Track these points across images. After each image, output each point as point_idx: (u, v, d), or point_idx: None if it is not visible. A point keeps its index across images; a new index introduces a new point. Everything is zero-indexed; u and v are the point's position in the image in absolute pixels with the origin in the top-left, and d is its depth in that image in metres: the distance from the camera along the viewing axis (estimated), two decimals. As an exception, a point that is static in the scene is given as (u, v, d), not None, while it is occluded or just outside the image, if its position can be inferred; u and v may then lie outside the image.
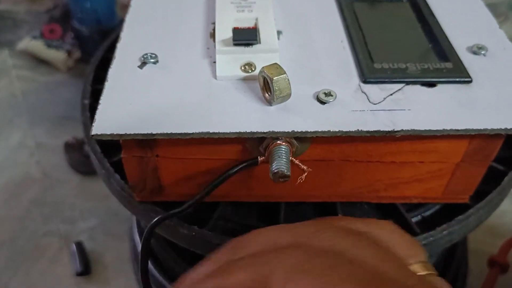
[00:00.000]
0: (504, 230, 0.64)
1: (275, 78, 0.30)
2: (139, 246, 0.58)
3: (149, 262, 0.54)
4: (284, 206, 0.39)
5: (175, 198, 0.38)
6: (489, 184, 0.40)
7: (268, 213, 0.40)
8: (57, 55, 0.88)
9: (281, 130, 0.30)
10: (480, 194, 0.39)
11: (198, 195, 0.32)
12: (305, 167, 0.32)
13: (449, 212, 0.39)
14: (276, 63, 0.31)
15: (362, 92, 0.33)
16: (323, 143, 0.33)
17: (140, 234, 0.57)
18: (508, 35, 0.40)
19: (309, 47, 0.37)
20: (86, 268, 0.62)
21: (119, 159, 0.42)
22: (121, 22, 0.89)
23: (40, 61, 0.93)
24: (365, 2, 0.42)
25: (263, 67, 0.31)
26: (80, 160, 0.75)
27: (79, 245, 0.64)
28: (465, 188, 0.38)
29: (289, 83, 0.30)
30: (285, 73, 0.30)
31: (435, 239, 0.37)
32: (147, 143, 0.33)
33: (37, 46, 0.89)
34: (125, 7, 0.91)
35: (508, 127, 0.31)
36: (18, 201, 0.70)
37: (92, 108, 0.46)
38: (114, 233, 0.67)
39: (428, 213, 0.41)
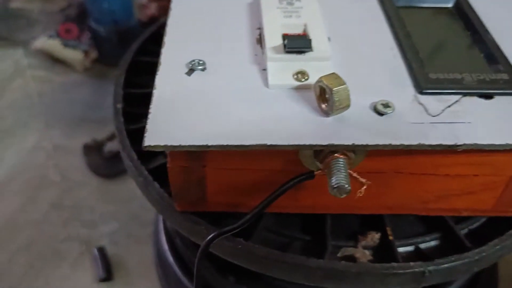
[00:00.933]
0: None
1: (335, 88, 0.29)
2: (165, 248, 0.57)
3: (176, 267, 0.53)
4: (330, 217, 0.38)
5: (218, 208, 0.37)
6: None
7: (313, 224, 0.39)
8: (74, 55, 0.87)
9: (341, 143, 0.29)
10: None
11: (253, 212, 0.31)
12: (364, 180, 0.31)
13: (497, 225, 0.38)
14: (334, 73, 0.30)
15: (419, 103, 0.32)
16: (378, 155, 0.32)
17: (168, 239, 0.56)
18: None
19: (358, 54, 0.36)
20: (108, 274, 0.61)
21: (156, 166, 0.41)
22: (138, 22, 0.88)
23: (55, 61, 0.91)
24: (410, 8, 0.41)
25: (321, 77, 0.30)
26: (99, 163, 0.73)
27: (101, 250, 0.63)
28: (516, 201, 0.37)
29: (349, 93, 0.29)
30: (345, 83, 0.29)
31: (487, 254, 0.36)
32: (196, 154, 0.32)
33: (54, 45, 0.87)
34: (143, 7, 0.90)
35: None
36: (36, 205, 0.69)
37: (125, 112, 0.45)
38: (136, 237, 0.66)
39: (475, 225, 0.40)
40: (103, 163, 0.73)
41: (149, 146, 0.28)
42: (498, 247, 0.36)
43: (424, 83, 0.33)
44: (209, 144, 0.29)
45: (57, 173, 0.74)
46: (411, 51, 0.36)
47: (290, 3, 0.38)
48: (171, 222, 0.38)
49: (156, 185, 0.38)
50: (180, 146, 0.29)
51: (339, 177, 0.29)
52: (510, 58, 0.36)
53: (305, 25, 0.36)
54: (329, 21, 0.39)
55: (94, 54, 0.88)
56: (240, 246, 0.35)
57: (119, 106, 0.45)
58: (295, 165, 0.33)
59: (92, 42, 0.88)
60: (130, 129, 0.43)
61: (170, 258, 0.53)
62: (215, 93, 0.32)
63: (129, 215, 0.68)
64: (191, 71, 0.33)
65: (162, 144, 0.28)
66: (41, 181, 0.73)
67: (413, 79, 0.34)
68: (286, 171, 0.33)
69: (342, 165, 0.29)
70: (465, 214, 0.38)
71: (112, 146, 0.75)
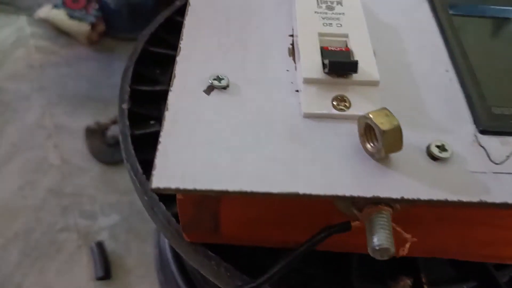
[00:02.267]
0: None
1: (386, 129, 0.24)
2: (167, 255, 0.53)
3: (179, 277, 0.49)
4: (357, 256, 0.34)
5: (232, 241, 0.32)
6: None
7: (336, 262, 0.34)
8: (79, 27, 0.81)
9: (388, 196, 0.24)
10: None
11: (276, 268, 0.27)
12: (408, 236, 0.26)
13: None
14: (385, 109, 0.25)
15: (480, 146, 0.27)
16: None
17: (171, 247, 0.52)
18: None
19: (407, 75, 0.30)
20: (106, 273, 0.57)
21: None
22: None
23: (60, 31, 0.86)
24: (466, 17, 0.35)
25: (369, 112, 0.24)
26: (101, 149, 0.69)
27: (100, 246, 0.59)
28: None
29: (402, 136, 0.24)
30: (398, 124, 0.24)
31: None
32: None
33: (59, 16, 0.82)
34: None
35: None
36: (34, 190, 0.65)
37: (132, 113, 0.40)
38: (138, 233, 0.62)
39: (518, 272, 0.35)
40: (106, 149, 0.69)
41: (158, 188, 0.24)
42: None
43: (486, 120, 0.28)
44: (230, 190, 0.24)
45: (58, 156, 0.69)
46: (470, 76, 0.30)
47: (330, 7, 0.32)
48: (179, 251, 0.34)
49: (162, 206, 0.34)
50: (194, 190, 0.24)
51: (382, 236, 0.24)
52: None
53: (347, 37, 0.30)
54: (373, 30, 0.33)
55: (101, 27, 0.82)
56: None
57: (125, 106, 0.40)
58: (327, 207, 0.28)
59: (100, 14, 0.82)
60: (136, 134, 0.39)
61: (173, 267, 0.49)
62: (238, 120, 0.27)
63: (130, 208, 0.64)
64: (210, 88, 0.28)
65: (173, 187, 0.24)
66: (40, 164, 0.68)
67: (473, 113, 0.28)
68: (316, 213, 0.28)
69: (386, 222, 0.25)
70: (509, 262, 0.34)
71: (116, 130, 0.70)
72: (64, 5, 0.83)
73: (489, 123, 0.28)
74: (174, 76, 0.29)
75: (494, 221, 0.29)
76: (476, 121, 0.28)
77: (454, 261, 0.35)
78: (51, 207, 0.64)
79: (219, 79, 0.28)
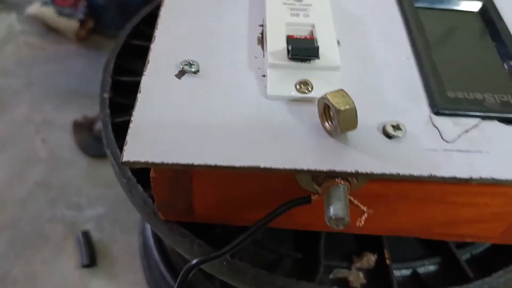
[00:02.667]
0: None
1: (342, 109, 0.26)
2: (150, 242, 0.55)
3: (161, 262, 0.51)
4: (325, 235, 0.35)
5: (205, 220, 0.34)
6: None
7: (305, 241, 0.36)
8: (68, 24, 0.83)
9: (343, 170, 0.26)
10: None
11: (241, 239, 0.28)
12: (365, 208, 0.28)
13: (500, 252, 0.36)
14: (342, 90, 0.26)
15: (434, 126, 0.29)
16: (383, 180, 0.29)
17: (154, 234, 0.53)
18: None
19: (370, 64, 0.32)
20: (92, 261, 0.59)
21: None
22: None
23: (49, 28, 0.87)
24: (431, 10, 0.37)
25: (327, 93, 0.26)
26: (89, 142, 0.70)
27: (86, 235, 0.61)
28: (526, 231, 0.34)
29: (356, 115, 0.26)
30: (353, 103, 0.26)
31: (490, 286, 0.33)
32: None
33: (48, 13, 0.83)
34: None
35: None
36: (22, 182, 0.67)
37: (113, 103, 0.42)
38: (122, 223, 0.63)
39: (478, 251, 0.37)
40: (93, 142, 0.70)
41: (128, 162, 0.25)
42: (502, 279, 0.33)
43: (440, 103, 0.30)
44: (195, 163, 0.25)
45: (46, 150, 0.71)
46: (429, 63, 0.32)
47: (298, -1, 0.34)
48: (155, 230, 0.36)
49: (140, 188, 0.36)
50: (162, 164, 0.25)
51: (337, 207, 0.26)
52: (537, 76, 0.33)
53: (313, 27, 0.32)
54: (340, 21, 0.35)
55: (90, 24, 0.84)
56: (225, 263, 0.32)
57: (106, 95, 0.42)
58: (291, 184, 0.30)
59: (88, 11, 0.84)
60: (116, 121, 0.40)
61: (155, 253, 0.51)
62: (206, 101, 0.29)
63: (116, 200, 0.66)
64: (181, 73, 0.30)
65: (142, 160, 0.25)
66: (29, 157, 0.70)
67: (429, 96, 0.30)
68: (280, 190, 0.30)
69: (342, 193, 0.26)
70: (469, 240, 0.36)
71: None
72: (53, 2, 0.84)
73: (443, 105, 0.30)
74: (148, 62, 0.31)
75: (450, 198, 0.31)
76: (431, 103, 0.30)
77: (417, 239, 0.37)
78: (39, 199, 0.65)
79: (190, 64, 0.30)
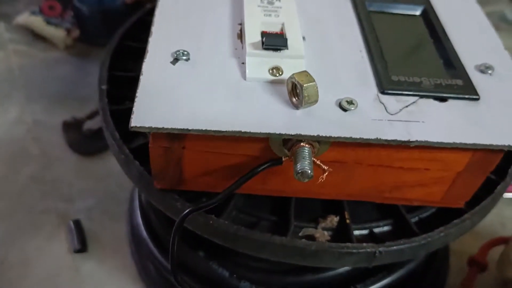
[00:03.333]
0: (485, 232, 0.68)
1: (305, 85, 0.32)
2: (139, 227, 0.60)
3: (150, 243, 0.57)
4: (295, 201, 0.42)
5: (194, 188, 0.40)
6: (482, 191, 0.43)
7: (279, 206, 0.42)
8: (56, 33, 0.88)
9: (307, 134, 0.33)
10: (474, 200, 0.42)
11: (226, 191, 0.35)
12: (325, 167, 0.34)
13: (444, 215, 0.43)
14: (305, 71, 0.33)
15: (380, 102, 0.36)
16: (341, 146, 0.36)
17: (142, 215, 0.59)
18: None
19: (330, 54, 0.39)
20: (83, 246, 0.64)
21: (136, 146, 0.44)
22: (122, 4, 0.90)
23: (37, 37, 0.92)
24: (381, 13, 0.44)
25: (293, 73, 0.33)
26: (78, 140, 0.75)
27: (77, 223, 0.65)
28: (462, 194, 0.41)
29: (317, 91, 0.33)
30: (314, 81, 0.33)
31: (432, 240, 0.40)
32: (176, 136, 0.35)
33: (37, 22, 0.88)
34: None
35: (511, 144, 0.34)
36: (16, 177, 0.71)
37: (109, 94, 0.48)
38: (111, 214, 0.68)
39: (425, 214, 0.44)
40: (82, 141, 0.75)
41: (135, 127, 0.31)
42: (442, 234, 0.40)
43: (386, 84, 0.37)
44: (189, 128, 0.32)
45: (37, 148, 0.76)
46: (378, 54, 0.39)
47: (271, 2, 0.41)
48: (150, 199, 0.41)
49: (137, 163, 0.41)
50: (163, 128, 0.32)
51: (304, 164, 0.33)
52: (466, 65, 0.40)
53: (283, 24, 0.39)
54: (306, 22, 0.42)
55: (76, 33, 0.89)
56: (211, 222, 0.38)
57: (104, 87, 0.47)
58: (266, 152, 0.36)
59: (75, 20, 0.89)
60: (113, 109, 0.46)
61: (144, 233, 0.57)
62: (196, 82, 0.35)
63: (105, 192, 0.71)
64: (175, 60, 0.36)
65: (147, 125, 0.31)
66: (21, 155, 0.74)
67: (377, 80, 0.37)
68: (257, 157, 0.37)
69: (307, 153, 0.33)
70: (416, 204, 0.42)
71: (91, 124, 0.77)
72: (41, 12, 0.89)
73: (388, 86, 0.37)
74: (147, 52, 0.37)
75: (396, 163, 0.38)
76: (379, 85, 0.37)
77: (374, 204, 0.43)
78: (32, 192, 0.70)
79: (182, 53, 0.37)
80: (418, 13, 0.45)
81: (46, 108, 0.82)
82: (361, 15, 0.43)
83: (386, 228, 0.43)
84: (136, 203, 0.62)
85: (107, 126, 0.44)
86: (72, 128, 0.76)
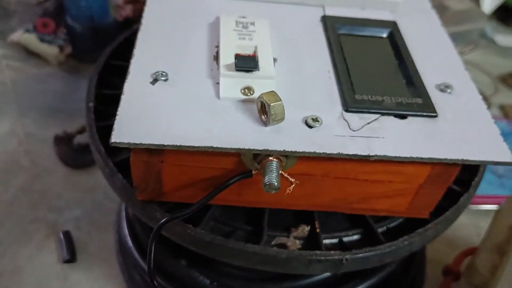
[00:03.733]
0: (459, 242, 0.70)
1: (272, 104, 0.35)
2: (126, 237, 0.62)
3: (136, 253, 0.59)
4: (268, 212, 0.44)
5: (173, 199, 0.43)
6: (447, 202, 0.46)
7: (254, 217, 0.45)
8: (49, 50, 0.91)
9: (274, 149, 0.35)
10: (439, 211, 0.45)
11: (200, 202, 0.37)
12: (292, 180, 0.37)
13: (411, 225, 0.45)
14: (273, 91, 0.36)
15: (344, 119, 0.39)
16: (308, 160, 0.38)
17: (129, 227, 0.61)
18: (477, 61, 0.46)
19: (300, 75, 0.42)
20: (72, 256, 0.66)
21: (120, 160, 0.46)
22: (114, 21, 0.93)
23: (30, 53, 0.95)
24: (350, 36, 0.47)
25: (262, 93, 0.36)
26: (68, 154, 0.78)
27: (67, 234, 0.68)
28: (426, 205, 0.44)
29: (283, 109, 0.36)
30: (281, 100, 0.35)
31: (397, 248, 0.43)
32: (155, 151, 0.37)
33: (30, 39, 0.91)
34: (118, 8, 0.94)
35: (465, 158, 0.37)
36: (7, 187, 0.74)
37: (96, 110, 0.50)
38: (99, 224, 0.71)
39: (392, 224, 0.47)
40: (72, 154, 0.78)
41: (115, 142, 0.34)
42: (406, 242, 0.43)
43: (350, 103, 0.40)
44: (165, 143, 0.34)
45: (28, 160, 0.78)
46: (344, 74, 0.42)
47: (245, 27, 0.44)
48: (133, 209, 0.44)
49: (120, 176, 0.44)
50: (141, 144, 0.34)
51: (271, 176, 0.35)
52: (427, 85, 0.43)
53: (256, 47, 0.42)
54: (279, 44, 0.45)
55: (68, 50, 0.92)
56: (189, 231, 0.41)
57: (91, 104, 0.50)
58: (239, 165, 0.39)
59: (68, 37, 0.92)
60: (99, 125, 0.49)
61: (130, 243, 0.59)
62: (174, 101, 0.38)
63: (93, 204, 0.73)
64: (155, 81, 0.39)
65: (126, 141, 0.34)
66: (12, 166, 0.77)
67: (342, 98, 0.40)
68: (232, 170, 0.39)
69: (274, 167, 0.36)
70: (383, 214, 0.45)
71: (81, 139, 0.79)
72: (35, 29, 0.92)
73: (352, 104, 0.39)
74: (129, 73, 0.40)
75: (361, 176, 0.41)
76: (343, 103, 0.40)
77: (344, 214, 0.46)
78: (22, 202, 0.72)
79: (161, 74, 0.39)
80: (385, 35, 0.48)
81: (38, 122, 0.84)
82: (331, 38, 0.46)
83: (355, 237, 0.45)
84: (123, 214, 0.64)
85: (93, 141, 0.47)
86: (63, 142, 0.79)
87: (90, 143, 0.47)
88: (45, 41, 0.92)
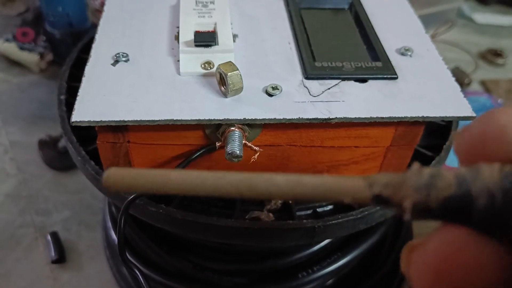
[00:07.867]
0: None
1: (229, 73, 0.36)
2: (112, 233, 0.63)
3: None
4: (241, 187, 0.45)
5: (145, 180, 0.43)
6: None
7: (227, 194, 0.45)
8: (29, 57, 0.92)
9: (235, 118, 0.36)
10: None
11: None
12: (256, 148, 0.38)
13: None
14: (230, 61, 0.37)
15: (304, 86, 0.39)
16: (272, 129, 0.39)
17: (113, 221, 0.61)
18: (456, 40, 0.46)
19: (261, 48, 0.43)
20: (61, 256, 0.66)
21: (92, 148, 0.47)
22: (92, 25, 0.93)
23: (12, 63, 0.96)
24: (311, 9, 0.48)
25: (219, 64, 0.36)
26: (53, 157, 0.78)
27: (54, 235, 0.68)
28: (396, 169, 0.45)
29: (241, 78, 0.36)
30: (237, 69, 0.36)
31: (369, 213, 0.43)
32: (119, 130, 0.38)
33: (10, 48, 0.92)
34: (97, 11, 0.95)
35: (425, 115, 0.38)
36: (-7, 195, 0.74)
37: (68, 103, 0.51)
38: (87, 224, 0.71)
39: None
40: (57, 157, 0.78)
41: (76, 121, 0.35)
42: (378, 208, 0.43)
43: (309, 70, 0.40)
44: (125, 119, 0.35)
45: (14, 167, 0.78)
46: (305, 44, 0.43)
47: (205, 5, 0.44)
48: (104, 193, 0.44)
49: (92, 163, 0.44)
50: (101, 121, 0.35)
51: (233, 145, 0.36)
52: (387, 49, 0.43)
53: (215, 24, 0.42)
54: (239, 21, 0.46)
55: (49, 56, 0.93)
56: (161, 211, 0.41)
57: (63, 97, 0.51)
58: (204, 140, 0.39)
59: (48, 44, 0.93)
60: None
61: (114, 236, 0.59)
62: (135, 80, 0.38)
63: (80, 204, 0.73)
64: (116, 62, 0.40)
65: (86, 120, 0.35)
66: (-2, 174, 0.77)
67: (302, 67, 0.41)
68: (198, 146, 0.40)
69: (236, 136, 0.36)
70: (355, 182, 0.45)
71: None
72: (14, 39, 0.93)
73: (312, 71, 0.40)
74: (90, 56, 0.40)
75: (327, 143, 0.41)
76: (304, 71, 0.40)
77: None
78: (10, 208, 0.72)
79: (122, 55, 0.40)
80: (346, 6, 0.49)
81: (22, 129, 0.85)
82: (292, 12, 0.47)
83: (328, 208, 0.46)
84: (107, 209, 0.64)
85: (65, 132, 0.47)
86: (47, 145, 0.80)
87: (63, 134, 0.48)
88: (25, 49, 0.93)
